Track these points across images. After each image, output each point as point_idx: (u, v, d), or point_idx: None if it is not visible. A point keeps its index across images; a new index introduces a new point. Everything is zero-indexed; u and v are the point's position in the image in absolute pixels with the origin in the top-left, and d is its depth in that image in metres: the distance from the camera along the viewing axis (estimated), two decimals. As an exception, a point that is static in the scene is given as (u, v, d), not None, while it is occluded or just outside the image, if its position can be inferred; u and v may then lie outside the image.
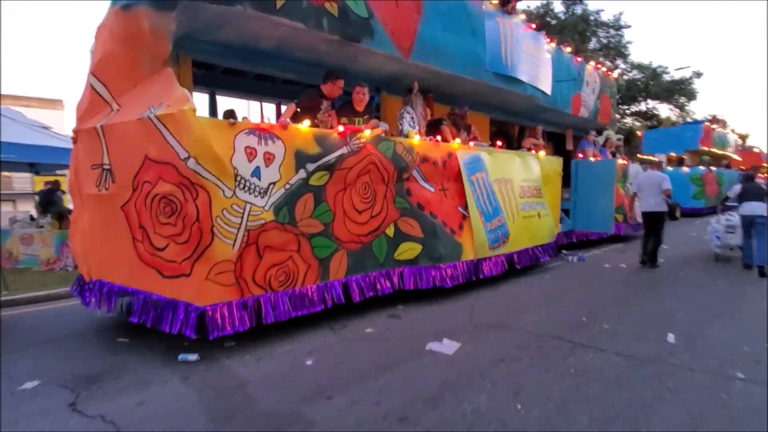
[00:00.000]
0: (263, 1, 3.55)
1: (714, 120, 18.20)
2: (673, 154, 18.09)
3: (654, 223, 6.51)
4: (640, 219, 9.90)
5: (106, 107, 3.71)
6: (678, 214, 15.34)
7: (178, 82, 3.39)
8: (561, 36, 16.18)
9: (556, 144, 10.28)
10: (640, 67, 21.39)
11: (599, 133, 11.28)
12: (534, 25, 6.74)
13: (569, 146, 9.88)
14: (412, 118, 5.18)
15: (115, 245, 3.49)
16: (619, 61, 20.51)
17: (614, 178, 8.08)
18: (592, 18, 18.21)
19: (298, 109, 4.04)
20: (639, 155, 19.29)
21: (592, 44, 20.15)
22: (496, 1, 5.85)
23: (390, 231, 4.57)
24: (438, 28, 5.02)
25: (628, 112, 22.55)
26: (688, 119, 21.01)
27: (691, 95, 21.54)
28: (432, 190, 5.01)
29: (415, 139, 4.80)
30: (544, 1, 17.86)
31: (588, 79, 8.82)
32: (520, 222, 6.10)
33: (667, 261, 7.08)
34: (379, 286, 4.46)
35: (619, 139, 12.28)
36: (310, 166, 3.82)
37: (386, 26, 4.41)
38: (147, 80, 3.63)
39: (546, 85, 7.28)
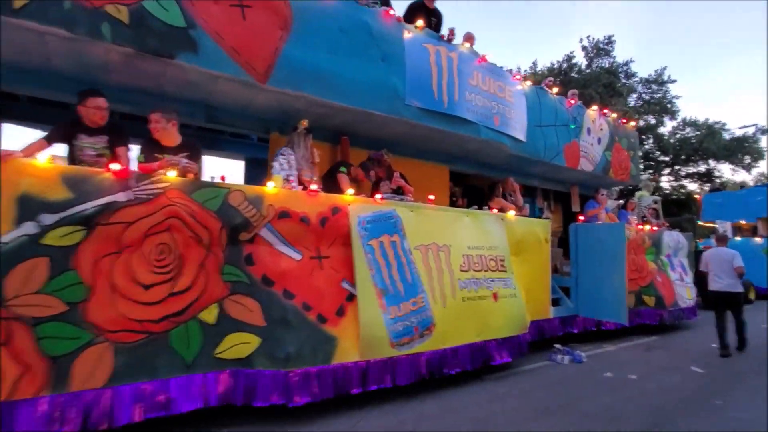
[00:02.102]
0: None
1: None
2: (743, 222, 15.00)
3: (730, 305, 5.84)
4: (686, 303, 7.59)
5: None
6: (752, 296, 12.09)
7: None
8: (585, 90, 14.70)
9: (567, 205, 8.43)
10: (694, 124, 18.88)
11: (625, 193, 9.31)
12: (487, 58, 5.44)
13: (575, 207, 7.99)
14: (288, 162, 3.93)
15: None
16: (666, 118, 18.29)
17: (623, 247, 6.04)
18: (621, 70, 16.56)
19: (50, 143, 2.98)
20: (700, 223, 16.34)
21: (633, 101, 18.27)
22: (421, 24, 4.70)
23: (209, 315, 3.14)
24: (320, 50, 3.91)
25: (682, 173, 19.69)
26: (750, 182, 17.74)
27: (758, 154, 18.32)
28: (297, 257, 3.57)
29: (269, 187, 3.51)
30: (567, 55, 16.76)
31: (590, 126, 7.17)
32: (458, 306, 4.35)
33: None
34: (180, 401, 2.96)
35: (656, 202, 10.11)
36: (48, 218, 2.64)
37: (222, 41, 3.37)
38: None
39: (517, 129, 5.79)
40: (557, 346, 5.86)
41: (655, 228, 7.95)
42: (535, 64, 17.25)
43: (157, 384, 2.94)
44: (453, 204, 6.59)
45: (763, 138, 17.82)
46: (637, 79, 17.66)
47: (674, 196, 20.00)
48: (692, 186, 19.67)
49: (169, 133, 3.25)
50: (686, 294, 8.01)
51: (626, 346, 6.35)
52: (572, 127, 6.74)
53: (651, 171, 18.62)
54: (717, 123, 18.41)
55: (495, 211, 5.33)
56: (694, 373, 4.91)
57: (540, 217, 9.29)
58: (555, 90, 6.64)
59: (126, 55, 3.11)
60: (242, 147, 5.34)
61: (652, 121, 17.93)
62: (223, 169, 5.55)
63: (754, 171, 19.33)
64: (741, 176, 19.84)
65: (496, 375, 4.68)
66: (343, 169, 4.37)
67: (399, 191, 4.76)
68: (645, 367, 5.16)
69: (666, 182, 19.89)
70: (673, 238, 8.24)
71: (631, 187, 11.23)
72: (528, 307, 5.58)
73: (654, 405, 3.87)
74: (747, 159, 18.51)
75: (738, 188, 17.94)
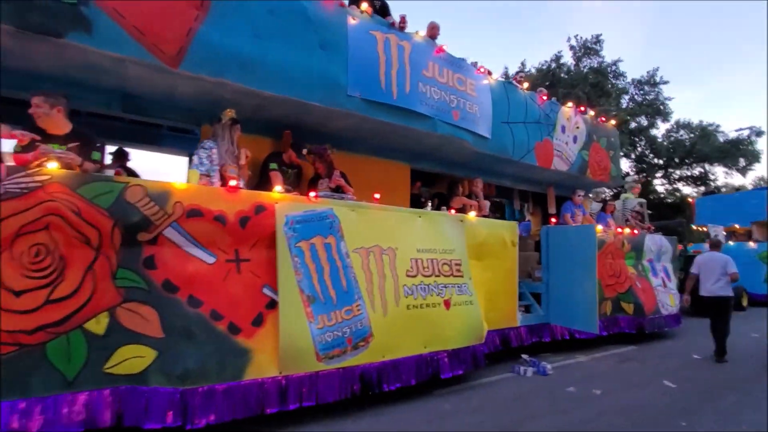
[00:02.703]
0: None
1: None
2: (737, 225, 14.60)
3: (719, 310, 5.76)
4: (668, 310, 7.21)
5: None
6: (745, 302, 11.67)
7: None
8: (572, 90, 14.35)
9: (545, 207, 8.07)
10: (688, 126, 18.50)
11: (608, 196, 8.97)
12: (445, 48, 5.09)
13: (551, 208, 7.63)
14: (209, 156, 3.59)
15: None
16: (658, 120, 17.91)
17: (594, 251, 5.66)
18: (609, 70, 16.16)
19: None
20: (693, 227, 15.96)
21: (625, 102, 17.90)
22: (366, 7, 4.36)
23: (97, 325, 2.79)
24: (244, 34, 3.57)
25: (675, 176, 19.27)
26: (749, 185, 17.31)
27: (753, 156, 17.89)
28: (209, 260, 3.22)
29: (179, 182, 3.16)
30: (555, 55, 16.40)
31: (565, 124, 6.82)
32: (401, 314, 3.98)
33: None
34: (60, 422, 2.61)
35: (641, 205, 9.72)
36: None
37: (122, 20, 3.03)
38: None
39: (481, 125, 5.44)
40: (524, 356, 5.49)
41: (636, 231, 7.57)
42: (523, 64, 16.97)
43: (32, 403, 2.59)
44: (419, 205, 6.25)
45: (759, 140, 17.50)
46: (627, 79, 17.40)
47: (669, 200, 19.60)
48: (687, 189, 19.32)
49: (53, 120, 2.90)
50: (669, 301, 7.62)
51: (600, 357, 5.96)
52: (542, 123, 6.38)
53: (641, 173, 18.24)
54: (711, 125, 18.04)
55: (453, 212, 4.96)
56: (665, 389, 4.53)
57: (520, 220, 8.99)
58: (525, 85, 6.30)
59: (6, 33, 2.77)
60: (184, 142, 5.00)
61: (645, 123, 17.55)
62: (165, 165, 5.20)
63: (751, 174, 18.95)
64: (736, 179, 19.50)
65: (448, 389, 4.31)
66: (273, 165, 4.03)
67: (339, 191, 4.40)
68: (614, 381, 4.78)
69: (660, 185, 19.53)
70: (655, 242, 7.86)
71: (616, 190, 10.88)
72: (491, 315, 5.23)
73: (611, 425, 3.49)
74: (742, 162, 18.08)
75: (733, 191, 17.58)
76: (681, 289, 10.91)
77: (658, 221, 13.73)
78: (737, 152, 17.40)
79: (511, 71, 16.81)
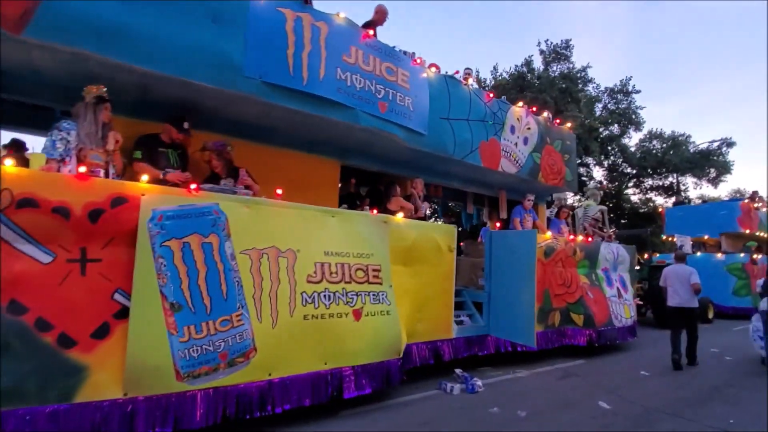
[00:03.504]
0: None
1: (755, 197, 14.59)
2: (706, 236, 14.51)
3: (685, 319, 6.06)
4: (622, 322, 6.88)
5: None
6: (711, 314, 11.47)
7: None
8: (540, 95, 14.12)
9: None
10: (660, 136, 18.49)
11: (563, 202, 8.72)
12: (372, 32, 4.69)
13: (503, 213, 7.27)
14: (64, 139, 3.08)
15: None
16: (631, 129, 17.85)
17: (534, 258, 5.27)
18: (579, 76, 16.01)
19: None
20: (663, 237, 15.87)
21: (598, 111, 17.81)
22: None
23: None
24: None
25: (647, 185, 19.22)
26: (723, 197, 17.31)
27: (724, 168, 17.95)
28: (45, 259, 2.71)
29: (8, 165, 2.65)
30: (526, 59, 16.19)
31: (514, 124, 6.47)
32: (296, 325, 3.51)
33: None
34: None
35: (602, 212, 9.47)
36: None
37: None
38: None
39: (414, 119, 5.03)
40: (457, 371, 5.05)
41: (590, 239, 7.25)
42: (495, 68, 16.76)
43: None
44: (353, 206, 5.81)
45: (731, 151, 17.55)
46: (596, 86, 17.38)
47: (642, 209, 19.56)
48: (660, 199, 19.27)
49: None
50: (623, 312, 7.30)
51: (542, 372, 5.56)
52: (489, 123, 6.02)
53: (613, 182, 18.15)
54: (682, 135, 18.07)
55: (375, 212, 4.53)
56: (598, 410, 4.14)
57: (478, 225, 8.62)
58: (470, 81, 5.93)
59: None
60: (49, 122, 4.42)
61: (618, 131, 17.47)
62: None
63: (725, 186, 19.00)
64: (706, 190, 19.55)
65: (356, 410, 3.84)
66: (137, 154, 3.54)
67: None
68: (546, 400, 4.37)
69: (632, 194, 19.47)
70: (611, 250, 7.55)
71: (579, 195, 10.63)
72: (422, 326, 4.81)
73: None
74: (713, 172, 18.14)
75: (704, 202, 17.58)
76: (644, 299, 10.75)
77: (624, 230, 13.65)
78: (706, 163, 17.42)
79: (483, 76, 16.66)
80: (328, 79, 4.16)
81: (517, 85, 15.30)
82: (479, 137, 5.93)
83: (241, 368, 3.17)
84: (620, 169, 17.81)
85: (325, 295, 3.74)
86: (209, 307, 3.12)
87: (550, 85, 14.64)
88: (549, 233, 6.50)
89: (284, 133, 4.74)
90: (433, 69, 5.40)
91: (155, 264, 2.99)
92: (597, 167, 18.41)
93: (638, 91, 17.03)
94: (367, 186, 6.52)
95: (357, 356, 3.83)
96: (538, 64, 15.90)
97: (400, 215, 4.74)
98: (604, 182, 15.07)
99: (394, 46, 4.90)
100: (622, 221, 20.02)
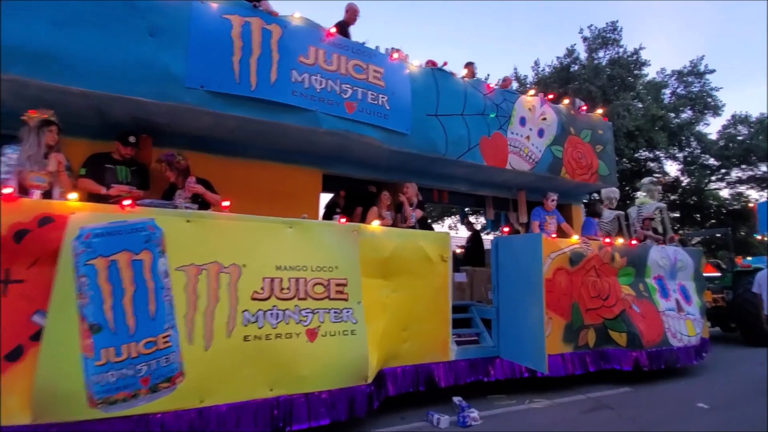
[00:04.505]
0: None
1: None
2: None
3: None
4: (683, 341, 5.68)
5: None
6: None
7: None
8: (585, 86, 12.61)
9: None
10: (746, 120, 15.69)
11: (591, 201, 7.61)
12: (334, 29, 4.38)
13: (522, 217, 6.45)
14: (4, 163, 3.17)
15: None
16: (708, 114, 15.36)
17: (539, 266, 4.46)
18: (630, 57, 13.99)
19: None
20: (760, 238, 13.39)
21: (667, 98, 15.64)
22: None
23: None
24: (39, 21, 3.15)
25: (734, 177, 16.32)
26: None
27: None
28: (-38, 281, 2.73)
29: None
30: (567, 49, 14.59)
31: (525, 116, 5.74)
32: (233, 347, 3.21)
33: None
34: None
35: (659, 210, 8.11)
36: None
37: None
38: None
39: (394, 119, 4.62)
40: (456, 399, 4.41)
41: (634, 242, 6.13)
42: (537, 63, 15.45)
43: None
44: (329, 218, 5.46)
45: None
46: (660, 69, 15.08)
47: (733, 206, 16.70)
48: (754, 193, 16.24)
49: None
50: (685, 329, 6.03)
51: (566, 402, 4.67)
52: (492, 116, 5.38)
53: (691, 177, 15.67)
54: (776, 116, 15.08)
55: (343, 220, 4.14)
56: (616, 456, 3.28)
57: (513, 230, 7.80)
58: (464, 72, 5.37)
59: None
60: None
61: (693, 118, 15.09)
62: None
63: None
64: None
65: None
66: (82, 171, 3.53)
67: (198, 201, 3.80)
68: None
69: (718, 189, 16.65)
70: (666, 255, 6.34)
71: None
72: (409, 346, 4.31)
73: None
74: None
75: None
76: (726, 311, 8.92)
77: (702, 229, 11.58)
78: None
79: (524, 73, 15.47)
80: (280, 83, 3.94)
81: (560, 78, 13.99)
82: (479, 133, 5.32)
83: (165, 394, 2.94)
84: (700, 160, 15.40)
85: (272, 314, 3.41)
86: (133, 328, 2.95)
87: (595, 74, 13.11)
88: (575, 237, 5.59)
89: (254, 145, 4.60)
90: (416, 62, 4.95)
91: (76, 283, 2.89)
92: (670, 161, 16.14)
93: (712, 71, 14.67)
94: (357, 196, 6.15)
95: (311, 382, 3.43)
96: (582, 53, 14.42)
97: (375, 223, 4.31)
98: (663, 177, 12.99)
99: (363, 42, 4.56)
100: (710, 222, 17.27)
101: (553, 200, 5.95)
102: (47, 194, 3.27)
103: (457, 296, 6.08)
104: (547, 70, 14.81)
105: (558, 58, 14.58)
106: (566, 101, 6.23)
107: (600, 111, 6.64)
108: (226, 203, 3.63)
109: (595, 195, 7.88)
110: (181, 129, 4.13)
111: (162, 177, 4.04)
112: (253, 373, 3.26)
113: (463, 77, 5.32)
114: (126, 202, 3.22)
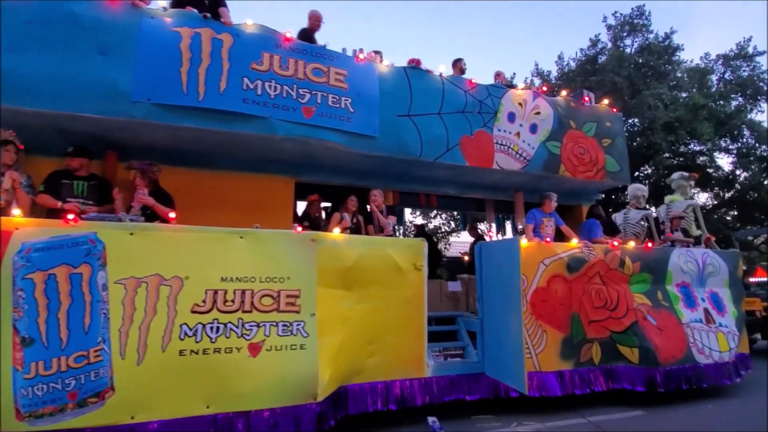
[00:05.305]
0: None
1: None
2: None
3: None
4: (713, 357, 4.95)
5: None
6: None
7: None
8: (609, 77, 11.55)
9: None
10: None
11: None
12: (289, 34, 4.26)
13: (520, 220, 5.96)
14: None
15: None
16: (762, 100, 13.62)
17: (518, 274, 4.02)
18: (661, 43, 12.58)
19: None
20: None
21: (715, 85, 14.11)
22: (164, 2, 3.84)
23: None
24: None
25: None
26: None
27: None
28: None
29: None
30: (591, 39, 13.43)
31: (515, 111, 5.33)
32: (168, 362, 3.13)
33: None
34: None
35: (692, 207, 7.27)
36: None
37: None
38: None
39: (360, 121, 4.44)
40: (430, 419, 4.07)
41: (650, 245, 5.46)
42: (561, 57, 14.46)
43: None
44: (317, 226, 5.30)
45: None
46: (704, 54, 13.45)
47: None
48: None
49: None
50: (716, 343, 5.25)
51: (558, 427, 4.16)
52: (474, 113, 5.04)
53: (746, 171, 13.92)
54: None
55: (300, 229, 3.98)
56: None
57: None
58: (441, 68, 5.07)
59: None
60: None
61: (746, 106, 13.45)
62: None
63: None
64: None
65: (261, 464, 3.25)
66: (40, 188, 3.63)
67: (148, 212, 3.80)
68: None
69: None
70: (693, 258, 5.60)
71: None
72: (375, 361, 4.07)
73: None
74: None
75: None
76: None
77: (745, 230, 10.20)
78: None
79: (548, 68, 14.53)
80: (230, 91, 3.89)
81: (584, 72, 13.04)
82: (460, 132, 5.00)
83: (93, 410, 2.90)
84: (757, 152, 13.69)
85: (212, 327, 3.31)
86: (65, 342, 2.95)
87: (620, 63, 12.04)
88: (575, 240, 5.06)
89: (223, 156, 4.60)
90: (385, 62, 4.75)
91: (13, 297, 2.94)
92: (723, 154, 14.48)
93: (761, 53, 12.96)
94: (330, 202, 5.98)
95: (252, 399, 3.27)
96: (608, 43, 13.29)
97: (336, 231, 4.11)
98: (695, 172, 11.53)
99: (324, 45, 4.44)
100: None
101: (553, 201, 5.43)
102: (4, 212, 3.39)
103: (450, 306, 5.75)
104: (573, 64, 13.94)
105: (582, 50, 13.67)
106: (564, 93, 5.72)
107: (606, 102, 6.03)
108: (172, 215, 3.60)
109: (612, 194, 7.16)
110: (143, 143, 4.20)
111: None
112: (189, 389, 3.15)
113: (440, 74, 5.03)
114: (70, 216, 3.27)
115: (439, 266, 7.19)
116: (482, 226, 8.47)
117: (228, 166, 4.69)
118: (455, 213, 13.94)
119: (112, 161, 4.21)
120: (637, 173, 15.24)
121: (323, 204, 5.45)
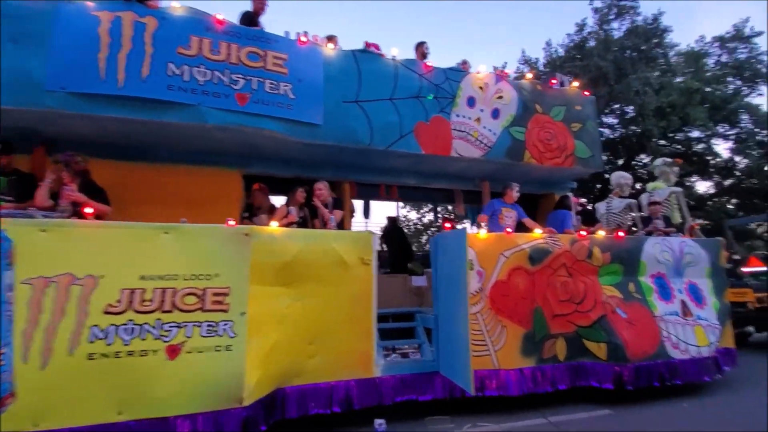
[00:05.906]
0: None
1: None
2: None
3: None
4: (689, 352, 4.66)
5: None
6: None
7: None
8: (593, 61, 11.12)
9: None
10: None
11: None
12: (220, 16, 4.02)
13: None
14: None
15: None
16: (761, 82, 13.10)
17: (464, 266, 3.76)
18: (649, 25, 12.10)
19: None
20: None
21: (711, 67, 13.61)
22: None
23: None
24: None
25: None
26: None
27: None
28: None
29: None
30: (577, 24, 13.00)
31: (475, 95, 5.05)
32: (76, 366, 2.93)
33: None
34: None
35: (674, 194, 6.97)
36: None
37: None
38: None
39: (302, 108, 4.20)
40: (378, 421, 3.85)
41: (620, 234, 5.16)
42: (549, 44, 13.99)
43: None
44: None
45: None
46: (699, 37, 12.97)
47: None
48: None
49: None
50: (693, 337, 4.95)
51: (518, 428, 3.92)
52: (429, 98, 4.78)
53: (743, 156, 13.44)
54: None
55: (232, 223, 3.76)
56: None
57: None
58: (394, 51, 4.81)
59: None
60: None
61: (744, 89, 12.95)
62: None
63: None
64: None
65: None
66: None
67: (74, 209, 3.60)
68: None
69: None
70: (669, 247, 5.30)
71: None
72: (318, 361, 3.85)
73: None
74: None
75: None
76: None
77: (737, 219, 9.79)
78: None
79: (535, 56, 14.05)
80: (154, 78, 3.67)
81: (572, 57, 12.64)
82: (415, 118, 4.74)
83: (-8, 417, 2.72)
84: (756, 137, 13.20)
85: (126, 329, 3.10)
86: (-39, 347, 2.77)
87: (605, 47, 11.62)
88: (538, 230, 4.79)
89: (162, 148, 4.39)
90: (331, 45, 4.49)
91: None
92: (720, 140, 14.00)
93: (758, 33, 12.43)
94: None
95: (168, 405, 3.07)
96: (595, 27, 12.83)
97: (274, 224, 3.89)
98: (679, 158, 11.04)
99: (261, 28, 4.20)
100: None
101: (515, 190, 5.15)
102: None
103: (416, 302, 5.52)
104: (561, 51, 13.53)
105: (568, 35, 13.25)
106: (529, 75, 5.42)
107: (575, 83, 5.71)
108: (88, 210, 3.40)
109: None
110: (71, 136, 3.99)
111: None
112: (99, 395, 2.95)
113: (392, 58, 4.77)
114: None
115: (413, 260, 6.94)
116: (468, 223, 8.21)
117: (169, 158, 4.47)
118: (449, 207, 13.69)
119: (40, 156, 4.01)
120: (633, 162, 14.84)
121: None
